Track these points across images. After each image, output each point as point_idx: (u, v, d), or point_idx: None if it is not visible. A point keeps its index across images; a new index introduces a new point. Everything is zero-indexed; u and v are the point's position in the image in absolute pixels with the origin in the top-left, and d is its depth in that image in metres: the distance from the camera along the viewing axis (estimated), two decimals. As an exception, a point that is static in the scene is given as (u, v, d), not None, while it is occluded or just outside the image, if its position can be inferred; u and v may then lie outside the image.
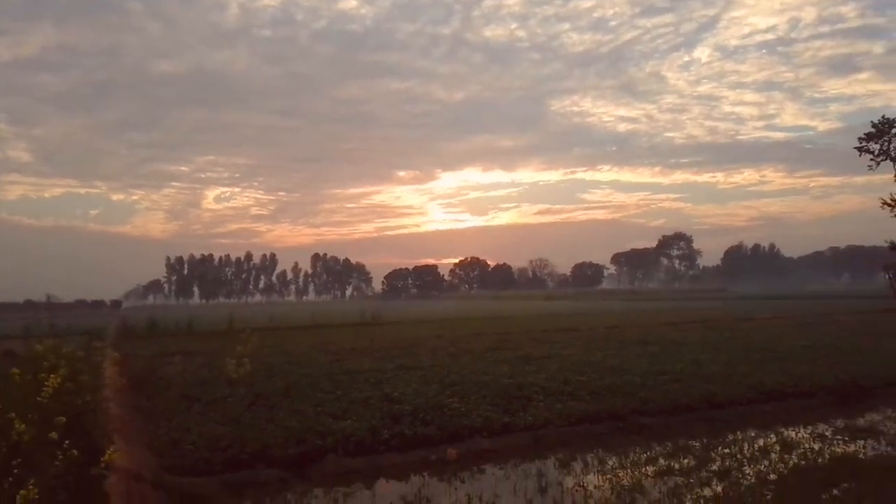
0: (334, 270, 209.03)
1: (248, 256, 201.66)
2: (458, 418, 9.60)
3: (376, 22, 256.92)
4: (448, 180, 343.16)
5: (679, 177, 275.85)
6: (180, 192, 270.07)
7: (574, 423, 9.75)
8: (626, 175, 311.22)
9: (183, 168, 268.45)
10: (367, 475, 7.90)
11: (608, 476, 7.49)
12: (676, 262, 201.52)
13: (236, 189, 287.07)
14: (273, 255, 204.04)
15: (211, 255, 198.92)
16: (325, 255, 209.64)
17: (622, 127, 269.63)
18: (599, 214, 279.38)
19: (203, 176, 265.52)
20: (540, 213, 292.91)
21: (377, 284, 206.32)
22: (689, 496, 6.68)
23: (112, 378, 14.26)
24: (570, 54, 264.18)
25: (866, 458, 7.90)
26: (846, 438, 8.96)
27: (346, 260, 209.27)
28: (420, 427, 9.14)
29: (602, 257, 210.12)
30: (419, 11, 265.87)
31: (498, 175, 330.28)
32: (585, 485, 7.19)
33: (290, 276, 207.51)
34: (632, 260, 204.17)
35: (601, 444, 8.91)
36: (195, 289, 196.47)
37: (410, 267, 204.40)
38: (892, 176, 45.78)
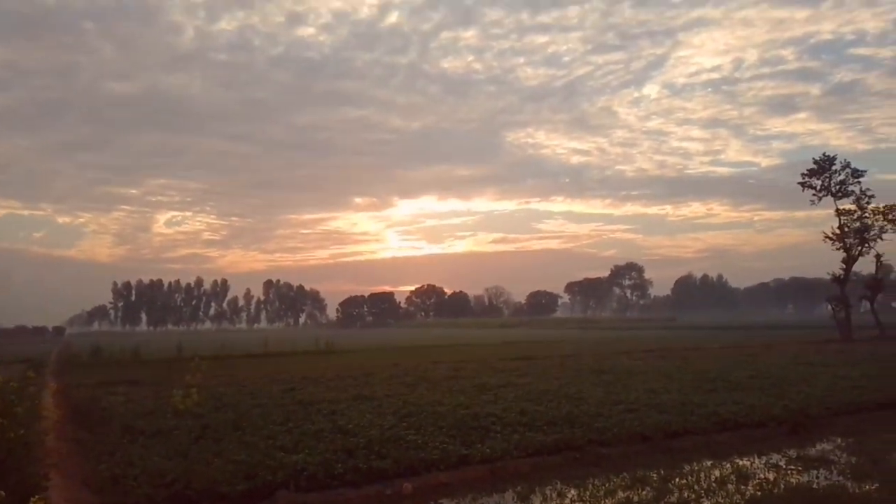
0: (287, 297, 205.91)
1: (199, 282, 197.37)
2: (415, 451, 9.38)
3: (334, 50, 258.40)
4: (405, 208, 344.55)
5: (630, 209, 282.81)
6: (130, 216, 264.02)
7: (532, 455, 9.63)
8: (579, 206, 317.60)
9: (133, 191, 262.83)
10: (320, 511, 7.60)
11: (567, 509, 7.37)
12: (628, 291, 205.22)
13: (188, 213, 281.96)
14: (224, 281, 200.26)
15: (160, 281, 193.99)
16: (279, 281, 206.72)
17: (575, 159, 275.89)
18: (553, 244, 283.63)
19: (154, 199, 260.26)
20: (496, 241, 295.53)
21: (332, 312, 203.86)
22: (648, 529, 6.60)
23: (50, 409, 13.57)
24: (524, 88, 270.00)
25: (820, 487, 7.98)
26: (799, 468, 9.06)
27: (300, 287, 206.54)
28: (375, 460, 8.88)
29: (556, 286, 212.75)
30: (377, 41, 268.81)
31: (454, 203, 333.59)
32: (544, 519, 7.06)
33: (241, 302, 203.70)
34: (585, 289, 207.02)
35: (559, 476, 8.80)
36: (143, 315, 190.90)
37: (366, 294, 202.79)
38: (832, 211, 47.66)
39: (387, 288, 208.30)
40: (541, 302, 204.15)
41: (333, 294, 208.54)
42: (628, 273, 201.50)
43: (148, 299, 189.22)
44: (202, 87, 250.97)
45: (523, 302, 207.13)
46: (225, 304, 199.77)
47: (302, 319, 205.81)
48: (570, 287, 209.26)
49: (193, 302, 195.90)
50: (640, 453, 10.05)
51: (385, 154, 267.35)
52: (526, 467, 9.23)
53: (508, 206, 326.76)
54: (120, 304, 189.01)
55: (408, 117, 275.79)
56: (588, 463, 9.52)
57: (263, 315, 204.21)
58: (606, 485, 8.33)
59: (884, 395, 14.70)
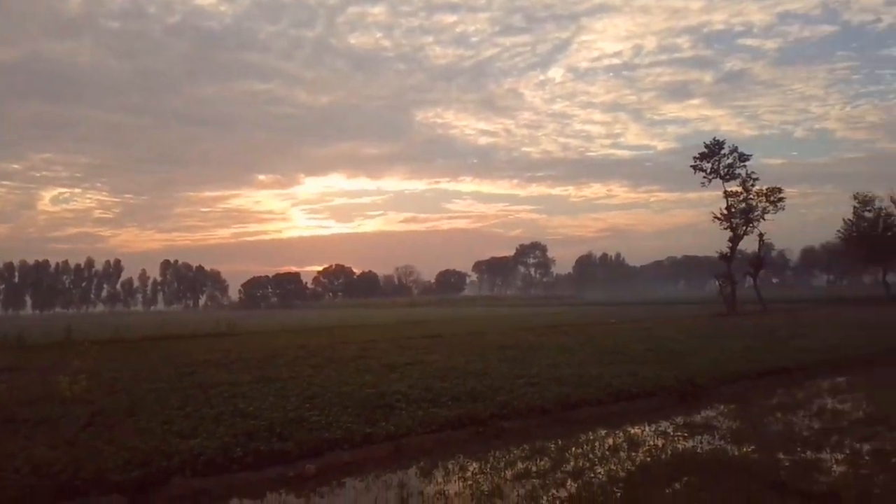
0: (186, 278, 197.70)
1: (90, 263, 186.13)
2: (318, 431, 9.28)
3: (236, 20, 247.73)
4: (312, 186, 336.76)
5: (535, 189, 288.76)
6: (11, 192, 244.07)
7: (436, 430, 9.75)
8: (487, 186, 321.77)
9: (14, 166, 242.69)
10: (218, 496, 7.41)
11: (469, 482, 7.52)
12: (532, 269, 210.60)
13: (77, 190, 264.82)
14: (118, 262, 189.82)
15: (46, 262, 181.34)
16: (177, 261, 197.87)
17: (483, 140, 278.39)
18: (462, 224, 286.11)
19: (38, 175, 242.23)
20: (405, 221, 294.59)
21: (234, 293, 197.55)
22: (545, 497, 6.85)
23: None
24: (433, 67, 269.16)
25: (703, 452, 8.52)
26: (686, 434, 9.64)
27: (200, 267, 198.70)
28: (277, 443, 8.73)
29: (465, 265, 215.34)
30: (281, 12, 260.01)
31: (363, 182, 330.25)
32: (447, 492, 7.18)
33: (136, 284, 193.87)
34: (492, 268, 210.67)
35: (462, 450, 8.97)
36: (27, 298, 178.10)
37: (271, 275, 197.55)
38: (721, 193, 50.65)
39: (293, 268, 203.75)
40: (450, 281, 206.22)
41: (236, 275, 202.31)
42: (533, 252, 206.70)
43: (33, 281, 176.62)
44: (92, 56, 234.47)
45: (433, 281, 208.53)
46: (118, 286, 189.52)
47: (202, 301, 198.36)
48: (478, 266, 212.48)
49: (84, 284, 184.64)
50: (539, 425, 10.39)
51: (291, 130, 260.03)
52: (430, 443, 9.34)
53: (418, 185, 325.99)
54: (2, 287, 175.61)
55: (315, 92, 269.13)
56: (490, 436, 9.75)
57: (160, 297, 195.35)
58: (507, 457, 8.56)
59: (763, 364, 15.86)
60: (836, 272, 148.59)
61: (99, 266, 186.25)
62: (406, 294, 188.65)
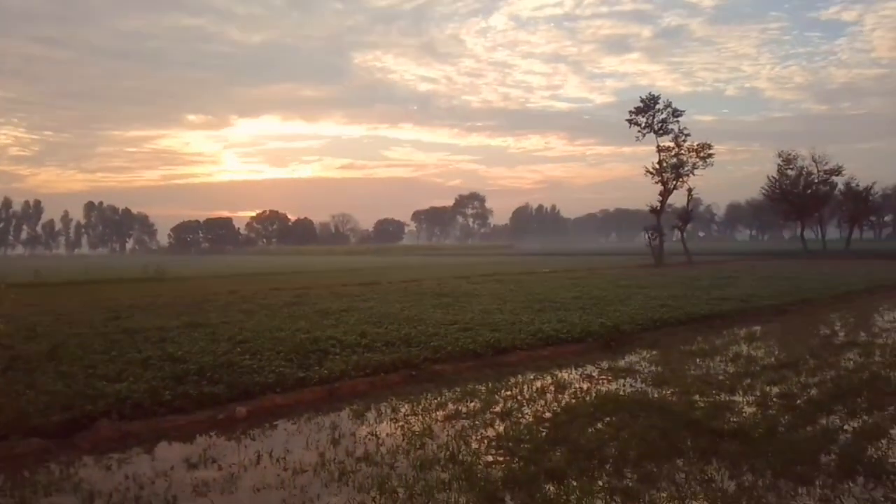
0: (112, 221, 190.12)
1: (7, 203, 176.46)
2: (250, 375, 9.23)
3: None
4: (245, 128, 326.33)
5: (475, 139, 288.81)
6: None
7: (370, 374, 9.83)
8: (427, 135, 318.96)
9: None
10: (147, 439, 7.30)
11: (400, 423, 7.67)
12: (471, 220, 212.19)
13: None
14: (38, 203, 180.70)
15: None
16: (101, 203, 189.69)
17: (423, 87, 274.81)
18: (401, 172, 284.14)
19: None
20: (343, 167, 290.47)
21: (163, 238, 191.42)
22: (474, 437, 7.06)
23: None
24: (373, 8, 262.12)
25: (625, 394, 8.91)
26: (609, 377, 10.05)
27: (127, 210, 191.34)
28: (207, 386, 8.63)
29: (403, 214, 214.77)
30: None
31: (299, 126, 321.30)
32: (378, 433, 7.30)
33: (59, 226, 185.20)
34: (430, 217, 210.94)
35: (395, 393, 9.10)
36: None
37: (202, 219, 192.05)
38: (654, 147, 51.79)
39: (225, 213, 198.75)
40: (388, 230, 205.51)
41: (165, 218, 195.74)
42: (471, 203, 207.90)
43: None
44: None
45: (370, 230, 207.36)
46: (39, 228, 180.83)
47: (129, 245, 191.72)
48: (417, 215, 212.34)
49: (1, 224, 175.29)
50: (471, 369, 10.62)
51: (222, 68, 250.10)
52: (363, 386, 9.43)
53: (357, 131, 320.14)
54: None
55: (248, 30, 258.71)
56: (423, 380, 9.92)
57: (85, 240, 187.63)
58: (438, 399, 8.74)
59: (685, 312, 16.57)
60: (759, 227, 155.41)
61: (17, 207, 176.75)
62: (343, 242, 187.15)
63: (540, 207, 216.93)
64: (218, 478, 6.05)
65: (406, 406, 8.43)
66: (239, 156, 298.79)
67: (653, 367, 10.88)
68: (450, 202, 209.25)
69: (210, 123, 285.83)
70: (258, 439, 7.29)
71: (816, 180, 68.09)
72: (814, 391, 8.89)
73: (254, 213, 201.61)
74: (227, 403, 8.28)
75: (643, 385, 9.54)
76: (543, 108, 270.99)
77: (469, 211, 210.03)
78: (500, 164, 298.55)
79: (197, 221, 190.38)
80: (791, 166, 68.53)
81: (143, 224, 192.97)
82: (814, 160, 67.95)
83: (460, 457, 6.41)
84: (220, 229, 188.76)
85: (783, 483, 5.62)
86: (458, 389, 9.22)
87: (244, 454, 6.75)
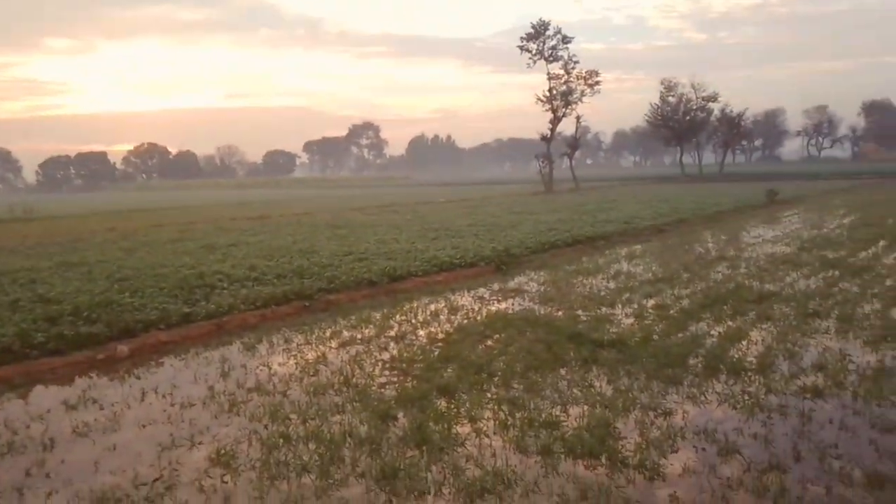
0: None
1: None
2: (131, 313, 8.80)
3: None
4: (115, 54, 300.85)
5: (369, 67, 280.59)
6: None
7: (260, 307, 9.64)
8: (317, 62, 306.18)
9: None
10: (20, 383, 6.86)
11: (293, 353, 7.60)
12: (365, 151, 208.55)
13: None
14: None
15: None
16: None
17: (312, 10, 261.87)
18: (291, 101, 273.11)
19: None
20: (228, 97, 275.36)
21: (30, 175, 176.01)
22: (368, 361, 7.12)
23: None
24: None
25: (514, 312, 9.24)
26: (500, 298, 10.36)
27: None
28: (83, 326, 8.17)
29: (294, 146, 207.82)
30: None
31: (179, 52, 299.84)
32: (270, 364, 7.21)
33: None
34: (323, 149, 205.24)
35: (288, 325, 8.99)
36: None
37: (73, 154, 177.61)
38: (545, 75, 52.43)
39: (98, 147, 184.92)
40: (278, 162, 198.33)
41: (31, 154, 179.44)
42: (365, 133, 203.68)
43: None
44: None
45: (259, 162, 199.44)
46: None
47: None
48: (309, 146, 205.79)
49: None
50: (366, 297, 10.64)
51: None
52: (254, 319, 9.25)
53: (241, 57, 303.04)
54: None
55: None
56: (317, 310, 9.84)
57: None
58: (333, 327, 8.72)
59: (571, 235, 17.25)
60: (643, 154, 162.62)
61: None
62: (230, 176, 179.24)
63: (436, 137, 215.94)
64: (100, 418, 5.80)
65: (299, 336, 8.34)
66: (111, 85, 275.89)
67: (540, 287, 11.31)
68: (343, 132, 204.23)
69: (74, 48, 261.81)
70: (143, 377, 7.02)
71: (695, 107, 71.67)
72: (685, 302, 9.57)
73: (131, 147, 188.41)
74: (108, 343, 7.90)
75: (531, 303, 9.91)
76: (437, 36, 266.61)
77: (363, 141, 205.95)
78: (395, 93, 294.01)
79: (67, 157, 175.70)
80: (672, 94, 71.64)
81: (6, 161, 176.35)
82: (693, 88, 71.33)
83: (354, 380, 6.46)
84: (93, 164, 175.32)
85: (655, 384, 6.06)
86: (353, 317, 9.22)
87: (128, 392, 6.49)
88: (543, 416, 5.38)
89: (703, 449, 4.72)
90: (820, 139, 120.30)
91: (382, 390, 6.19)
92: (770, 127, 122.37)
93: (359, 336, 8.23)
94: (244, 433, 5.29)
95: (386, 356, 7.29)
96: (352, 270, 11.95)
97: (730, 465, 4.47)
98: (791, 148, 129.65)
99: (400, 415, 5.53)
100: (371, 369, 6.85)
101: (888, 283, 10.38)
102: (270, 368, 7.05)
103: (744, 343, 7.34)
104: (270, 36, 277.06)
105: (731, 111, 74.99)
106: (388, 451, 4.81)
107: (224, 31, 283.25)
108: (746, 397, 5.68)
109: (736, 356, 6.84)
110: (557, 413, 5.45)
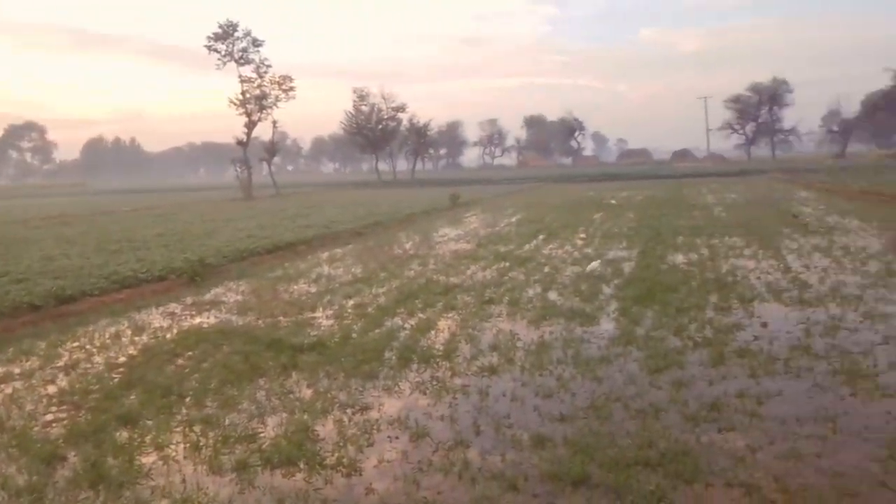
0: None
1: None
2: None
3: None
4: None
5: (31, 60, 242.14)
6: None
7: None
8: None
9: None
10: None
11: (-78, 402, 6.16)
12: (28, 155, 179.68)
13: None
14: None
15: None
16: None
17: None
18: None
19: None
20: None
21: None
22: (29, 398, 6.10)
23: None
24: None
25: (209, 326, 8.73)
26: (194, 312, 9.71)
27: None
28: None
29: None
30: None
31: None
32: None
33: None
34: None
35: (-85, 367, 7.26)
36: None
37: None
38: (237, 78, 50.69)
39: None
40: None
41: None
42: (28, 134, 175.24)
43: None
44: None
45: None
46: None
47: None
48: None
49: None
50: (27, 324, 9.12)
51: None
52: None
53: None
54: None
55: None
56: (-44, 348, 8.13)
57: None
58: (-20, 365, 7.28)
59: (272, 241, 16.92)
60: (342, 160, 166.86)
61: None
62: None
63: (117, 140, 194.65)
64: None
65: (-69, 379, 6.79)
66: None
67: (239, 297, 10.88)
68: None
69: None
70: None
71: (386, 116, 75.64)
72: (382, 299, 10.01)
73: None
74: None
75: (229, 315, 9.47)
76: (116, 30, 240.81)
77: (25, 144, 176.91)
78: (65, 91, 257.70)
79: None
80: (365, 103, 74.68)
81: None
82: (383, 98, 75.21)
83: (10, 423, 5.47)
84: None
85: (354, 381, 6.20)
86: (11, 350, 7.83)
87: None
88: (240, 430, 5.14)
89: (397, 437, 4.96)
90: (492, 149, 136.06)
91: (48, 429, 5.34)
92: (452, 137, 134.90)
93: (17, 371, 7.01)
94: None
95: (53, 390, 6.32)
96: (6, 295, 10.15)
97: (420, 448, 4.76)
98: (470, 157, 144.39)
99: (71, 454, 4.82)
100: (34, 407, 5.88)
101: (546, 270, 12.11)
102: None
103: (433, 332, 7.91)
104: None
105: (419, 122, 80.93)
106: (54, 499, 4.15)
107: None
108: (435, 382, 6.12)
109: (426, 345, 7.34)
110: (255, 425, 5.26)
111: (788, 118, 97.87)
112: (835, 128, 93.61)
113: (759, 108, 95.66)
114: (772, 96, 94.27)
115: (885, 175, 36.27)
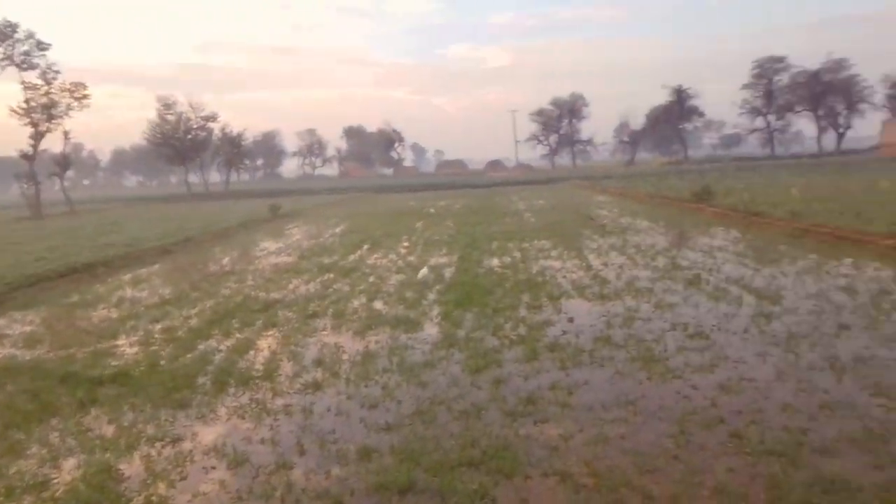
0: None
1: None
2: None
3: None
4: None
5: None
6: None
7: None
8: None
9: None
10: None
11: None
12: None
13: None
14: None
15: None
16: None
17: None
18: None
19: None
20: None
21: None
22: None
23: None
24: None
25: (-13, 363, 7.63)
26: (-34, 349, 8.43)
27: None
28: None
29: None
30: None
31: None
32: None
33: None
34: None
35: None
36: None
37: None
38: (19, 84, 45.15)
39: None
40: None
41: None
42: None
43: None
44: None
45: None
46: None
47: None
48: None
49: None
50: None
51: None
52: None
53: None
54: None
55: None
56: None
57: None
58: None
59: (66, 264, 15.24)
60: (146, 173, 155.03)
61: None
62: None
63: None
64: None
65: None
66: None
67: (26, 328, 9.66)
68: None
69: None
70: None
71: (195, 126, 71.48)
72: (194, 321, 9.38)
73: None
74: None
75: (14, 349, 8.36)
76: None
77: None
78: None
79: None
80: (171, 112, 70.02)
81: None
82: (191, 107, 71.02)
83: None
84: None
85: (163, 412, 5.73)
86: None
87: None
88: (27, 479, 4.53)
89: (213, 467, 4.64)
90: (312, 159, 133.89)
91: None
92: (269, 147, 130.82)
93: None
94: None
95: None
96: None
97: (240, 475, 4.50)
98: (290, 167, 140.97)
99: None
100: None
101: (371, 279, 12.09)
102: None
103: (251, 353, 7.55)
104: None
105: (232, 131, 77.37)
106: None
107: None
108: (254, 405, 5.83)
109: (244, 367, 6.98)
110: (47, 471, 4.67)
111: (586, 129, 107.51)
112: (625, 138, 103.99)
113: (560, 120, 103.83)
114: (571, 110, 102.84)
115: (667, 180, 40.87)
